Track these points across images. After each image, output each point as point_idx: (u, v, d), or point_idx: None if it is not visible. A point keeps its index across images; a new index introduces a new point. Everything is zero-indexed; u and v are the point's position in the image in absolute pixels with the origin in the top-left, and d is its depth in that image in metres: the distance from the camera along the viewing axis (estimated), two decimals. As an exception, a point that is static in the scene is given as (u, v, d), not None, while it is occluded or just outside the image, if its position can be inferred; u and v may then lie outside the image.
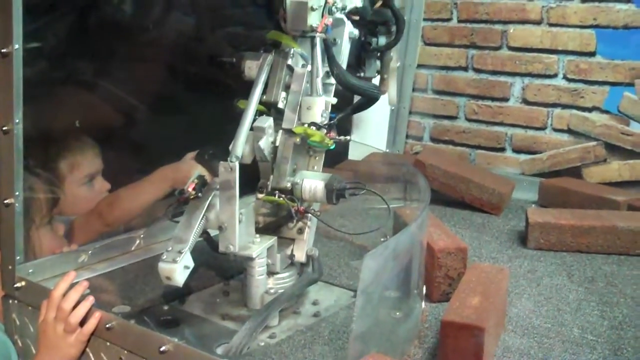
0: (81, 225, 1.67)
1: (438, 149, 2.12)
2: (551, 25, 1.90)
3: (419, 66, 2.13)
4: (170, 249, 1.07)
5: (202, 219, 1.11)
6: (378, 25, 1.55)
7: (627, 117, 1.83)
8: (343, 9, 1.30)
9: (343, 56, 1.30)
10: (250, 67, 1.25)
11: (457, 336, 0.95)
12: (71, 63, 1.86)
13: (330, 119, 1.22)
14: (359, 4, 1.37)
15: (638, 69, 1.80)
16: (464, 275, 1.15)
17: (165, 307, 1.25)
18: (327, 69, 1.24)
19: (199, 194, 1.13)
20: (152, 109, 1.95)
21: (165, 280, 1.06)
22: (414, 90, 2.15)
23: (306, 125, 1.18)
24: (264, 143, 1.17)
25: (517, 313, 1.20)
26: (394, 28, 1.53)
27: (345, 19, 1.30)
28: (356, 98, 1.47)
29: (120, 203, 1.69)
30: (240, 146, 1.13)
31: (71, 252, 1.42)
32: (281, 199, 1.18)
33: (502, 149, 2.04)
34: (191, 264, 1.07)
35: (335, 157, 1.94)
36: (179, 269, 1.05)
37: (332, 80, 1.26)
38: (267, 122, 1.16)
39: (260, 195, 1.22)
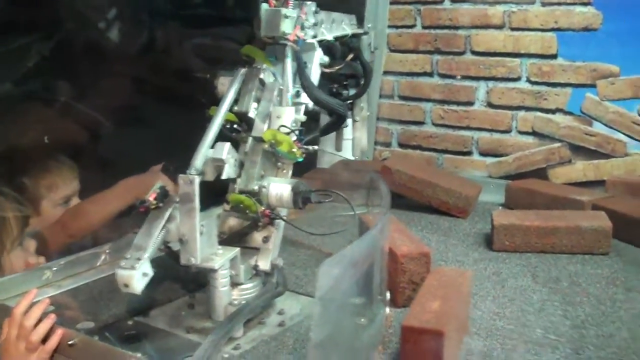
0: (46, 237, 1.66)
1: (406, 155, 2.13)
2: (513, 29, 1.92)
3: (385, 72, 2.15)
4: (129, 256, 1.06)
5: (162, 228, 1.10)
6: (349, 78, 1.63)
7: (590, 117, 1.85)
8: (314, 36, 1.34)
9: (314, 80, 1.32)
10: (223, 83, 1.29)
11: (417, 341, 0.96)
12: (49, 84, 1.86)
13: (300, 139, 1.23)
14: (330, 38, 1.41)
15: (599, 70, 1.82)
16: (425, 280, 1.15)
17: (130, 322, 1.24)
18: (298, 88, 1.26)
19: (160, 204, 1.12)
20: (129, 124, 1.96)
21: (123, 287, 1.05)
22: (380, 96, 2.17)
23: (276, 129, 1.19)
24: (228, 171, 1.18)
25: (480, 315, 1.21)
26: (363, 81, 1.61)
27: (316, 44, 1.33)
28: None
29: (84, 214, 1.69)
30: (201, 158, 1.13)
31: (35, 270, 1.40)
32: (249, 199, 1.18)
33: (469, 153, 2.05)
34: (150, 272, 1.06)
35: (304, 166, 1.94)
36: (137, 276, 1.04)
37: (302, 100, 1.28)
38: (224, 150, 1.16)
39: (227, 207, 1.23)
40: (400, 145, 2.17)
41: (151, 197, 1.12)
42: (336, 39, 1.47)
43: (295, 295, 1.34)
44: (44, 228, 1.68)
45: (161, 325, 1.22)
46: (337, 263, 0.89)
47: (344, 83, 1.68)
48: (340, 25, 1.52)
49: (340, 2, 1.58)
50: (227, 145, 1.18)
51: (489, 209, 1.77)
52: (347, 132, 1.81)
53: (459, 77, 2.03)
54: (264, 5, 1.22)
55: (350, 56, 1.57)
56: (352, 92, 1.68)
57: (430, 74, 2.07)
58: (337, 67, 1.54)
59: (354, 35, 1.61)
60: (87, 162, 1.87)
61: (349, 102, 1.71)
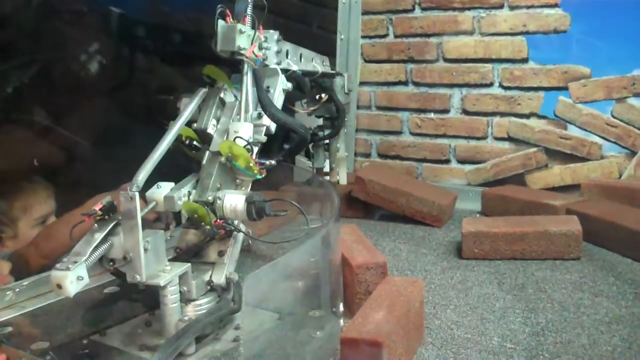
0: (19, 259, 1.66)
1: (382, 164, 2.11)
2: (483, 34, 1.90)
3: (361, 83, 2.14)
4: (65, 260, 1.05)
5: (104, 239, 1.08)
6: (324, 119, 1.62)
7: (564, 121, 1.83)
8: (278, 63, 1.35)
9: (276, 105, 1.32)
10: (185, 104, 1.28)
11: (356, 352, 0.93)
12: (27, 109, 1.87)
13: (262, 164, 1.22)
14: (296, 69, 1.40)
15: (570, 72, 1.80)
16: (374, 290, 1.13)
17: (84, 342, 1.22)
18: (260, 110, 1.25)
19: (106, 217, 1.11)
20: (103, 146, 1.97)
21: (56, 289, 1.02)
22: (358, 107, 2.15)
23: (232, 139, 1.18)
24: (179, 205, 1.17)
25: (439, 325, 1.18)
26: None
27: (279, 70, 1.33)
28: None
29: (55, 235, 1.68)
30: (145, 174, 1.12)
31: (-4, 292, 1.40)
32: (203, 207, 1.17)
33: (447, 161, 2.03)
34: (86, 277, 1.03)
35: (281, 180, 1.93)
36: (70, 277, 1.01)
37: (264, 122, 1.27)
38: (179, 193, 1.16)
39: (185, 222, 1.22)
40: (380, 155, 2.16)
41: (97, 207, 1.11)
42: (305, 74, 1.47)
43: (254, 310, 1.31)
44: (18, 250, 1.67)
45: (116, 344, 1.20)
46: (264, 276, 0.87)
47: (319, 124, 1.71)
48: (310, 62, 1.54)
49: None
50: (171, 184, 1.18)
51: (466, 217, 1.74)
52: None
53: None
54: (221, 22, 1.22)
55: (325, 97, 1.60)
56: (327, 132, 1.73)
57: (405, 83, 2.05)
58: (312, 109, 1.57)
59: (326, 76, 1.62)
60: (63, 182, 1.87)
61: (325, 142, 1.74)
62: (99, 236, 1.08)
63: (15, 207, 1.72)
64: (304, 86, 1.49)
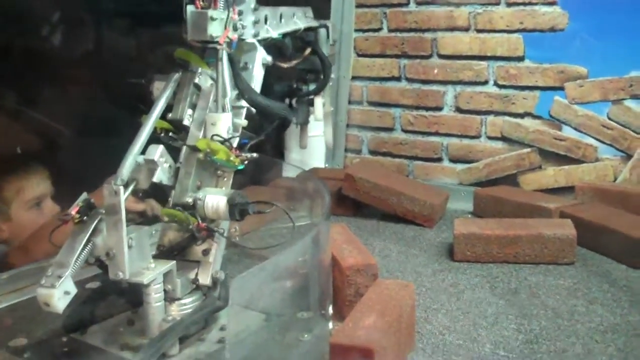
0: (10, 261, 1.62)
1: (372, 161, 2.08)
2: (479, 31, 1.87)
3: (354, 78, 2.10)
4: (50, 273, 1.01)
5: (86, 243, 1.04)
6: (308, 73, 1.58)
7: (559, 121, 1.80)
8: (255, 35, 1.28)
9: (256, 82, 1.27)
10: (158, 87, 1.22)
11: (346, 359, 0.90)
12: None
13: (243, 144, 1.17)
14: (275, 36, 1.35)
15: (567, 72, 1.77)
16: (365, 293, 1.09)
17: (64, 339, 1.18)
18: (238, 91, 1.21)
19: (84, 218, 1.07)
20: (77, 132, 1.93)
21: (44, 306, 0.99)
22: (349, 102, 2.11)
23: (209, 138, 1.14)
24: (160, 175, 1.12)
25: (430, 330, 1.15)
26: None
27: (257, 44, 1.27)
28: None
29: (45, 237, 1.64)
30: (128, 167, 1.08)
31: (-26, 286, 1.36)
32: (182, 213, 1.12)
33: (439, 159, 2.00)
34: (73, 290, 1.00)
35: (269, 175, 1.89)
36: (57, 294, 0.98)
37: (243, 104, 1.22)
38: (157, 152, 1.10)
39: (166, 218, 1.17)
40: (371, 152, 2.12)
41: (73, 211, 1.06)
42: (285, 35, 1.41)
43: (242, 310, 1.28)
44: (8, 252, 1.64)
45: (97, 342, 1.16)
46: (253, 277, 0.84)
47: (304, 78, 1.64)
48: (291, 20, 1.45)
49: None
50: (161, 147, 1.12)
51: (458, 217, 1.71)
52: (312, 128, 1.75)
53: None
54: (190, 7, 1.13)
55: (308, 50, 1.53)
56: (312, 87, 1.64)
57: (398, 79, 2.02)
58: (294, 62, 1.49)
59: (310, 29, 1.55)
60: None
61: (309, 97, 1.67)
62: (80, 242, 1.04)
63: (7, 189, 1.68)
64: (286, 50, 1.43)
